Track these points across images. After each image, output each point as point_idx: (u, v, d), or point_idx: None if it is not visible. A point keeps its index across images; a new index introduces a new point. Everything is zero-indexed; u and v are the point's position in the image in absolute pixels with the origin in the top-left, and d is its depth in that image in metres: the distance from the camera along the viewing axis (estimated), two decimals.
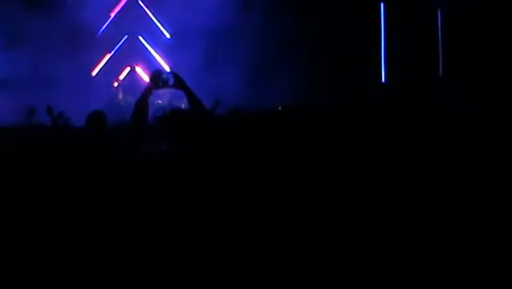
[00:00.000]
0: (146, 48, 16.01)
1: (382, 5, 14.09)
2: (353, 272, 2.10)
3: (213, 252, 2.81)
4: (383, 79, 14.22)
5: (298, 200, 2.43)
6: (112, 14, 15.76)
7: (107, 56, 15.74)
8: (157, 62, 15.94)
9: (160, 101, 10.93)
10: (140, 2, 15.89)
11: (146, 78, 15.54)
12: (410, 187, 2.72)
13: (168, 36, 15.99)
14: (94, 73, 15.61)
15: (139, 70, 16.00)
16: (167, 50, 15.73)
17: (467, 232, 2.40)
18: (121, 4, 15.90)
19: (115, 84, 15.68)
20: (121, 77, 15.84)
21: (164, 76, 4.55)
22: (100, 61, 15.69)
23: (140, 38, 15.97)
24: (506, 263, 2.57)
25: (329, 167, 2.57)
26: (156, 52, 16.01)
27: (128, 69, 15.97)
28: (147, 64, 15.91)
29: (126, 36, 15.89)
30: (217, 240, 2.91)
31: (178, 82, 4.47)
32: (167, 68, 15.77)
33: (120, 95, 15.24)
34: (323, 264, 2.34)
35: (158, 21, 15.95)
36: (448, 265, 2.32)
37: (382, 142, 3.27)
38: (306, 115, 4.72)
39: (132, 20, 15.98)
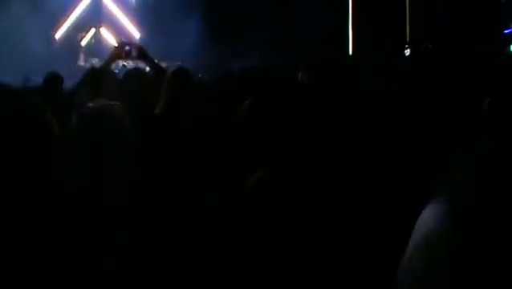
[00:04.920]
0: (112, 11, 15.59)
1: None
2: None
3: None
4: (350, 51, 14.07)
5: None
6: None
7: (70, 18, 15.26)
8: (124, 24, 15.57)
9: (125, 63, 10.69)
10: None
11: (111, 40, 15.15)
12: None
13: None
14: (57, 36, 15.15)
15: (103, 31, 15.57)
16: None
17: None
18: None
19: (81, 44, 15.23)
20: (84, 40, 15.39)
21: (127, 48, 4.63)
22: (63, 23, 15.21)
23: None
24: None
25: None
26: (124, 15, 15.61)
27: (92, 31, 15.53)
28: (113, 27, 15.51)
29: None
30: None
31: (141, 54, 4.56)
32: (133, 29, 15.39)
33: (81, 59, 14.78)
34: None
35: None
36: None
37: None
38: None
39: None
